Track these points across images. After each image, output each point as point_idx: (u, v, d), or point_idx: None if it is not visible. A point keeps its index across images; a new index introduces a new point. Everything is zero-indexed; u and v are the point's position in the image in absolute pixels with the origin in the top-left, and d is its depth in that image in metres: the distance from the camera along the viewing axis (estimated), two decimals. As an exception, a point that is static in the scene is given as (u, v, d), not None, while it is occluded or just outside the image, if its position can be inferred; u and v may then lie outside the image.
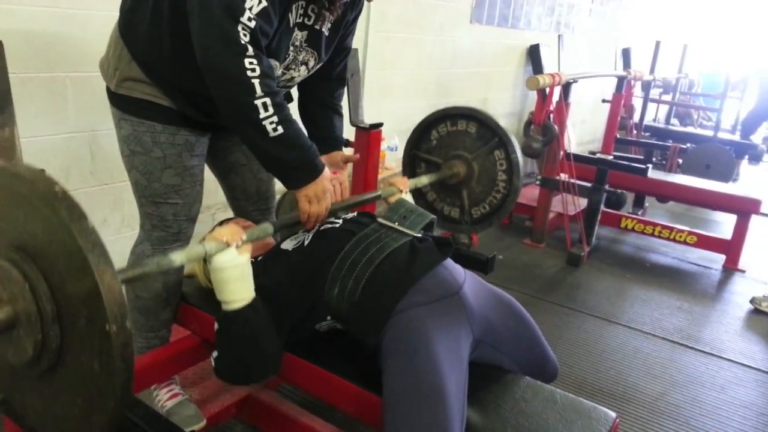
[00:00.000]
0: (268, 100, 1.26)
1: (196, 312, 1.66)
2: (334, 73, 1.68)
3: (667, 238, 3.89)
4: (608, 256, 3.86)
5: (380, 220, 1.45)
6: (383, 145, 2.24)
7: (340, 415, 1.82)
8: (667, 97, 7.06)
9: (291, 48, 1.44)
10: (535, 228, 3.93)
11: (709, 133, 6.00)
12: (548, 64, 5.02)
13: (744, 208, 3.72)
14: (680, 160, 5.51)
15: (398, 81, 3.57)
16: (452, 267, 1.38)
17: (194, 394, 1.79)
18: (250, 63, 1.23)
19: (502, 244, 3.82)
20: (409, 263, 1.31)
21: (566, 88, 3.60)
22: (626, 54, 5.84)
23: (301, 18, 1.41)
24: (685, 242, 3.84)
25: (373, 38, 3.25)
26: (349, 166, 1.82)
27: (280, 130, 1.29)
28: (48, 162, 1.96)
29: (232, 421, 1.85)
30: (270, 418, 1.79)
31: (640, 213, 4.67)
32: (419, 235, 1.43)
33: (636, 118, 5.91)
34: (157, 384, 1.70)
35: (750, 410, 2.32)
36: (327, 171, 1.44)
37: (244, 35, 1.22)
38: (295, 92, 1.73)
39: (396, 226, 1.43)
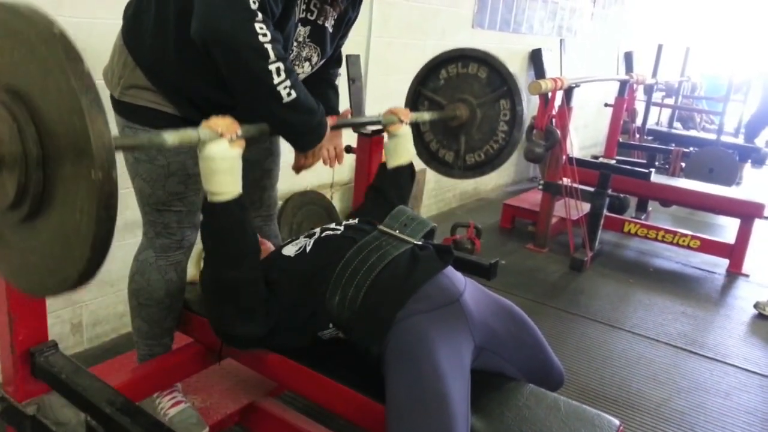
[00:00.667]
0: (281, 65, 1.26)
1: (198, 319, 1.66)
2: (332, 57, 1.69)
3: (671, 243, 3.88)
4: (611, 261, 3.85)
5: (381, 227, 1.45)
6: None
7: (342, 423, 1.82)
8: (670, 101, 7.06)
9: (295, 44, 1.44)
10: (538, 233, 3.93)
11: (712, 136, 6.00)
12: (550, 68, 5.03)
13: (747, 212, 3.71)
14: (683, 164, 5.51)
15: (400, 86, 3.54)
16: (453, 275, 1.38)
17: (197, 401, 1.79)
18: (261, 28, 1.22)
19: (505, 249, 3.81)
20: (410, 271, 1.31)
21: (568, 92, 3.61)
22: (628, 58, 5.86)
23: (304, 13, 1.42)
24: (688, 247, 3.83)
25: (375, 43, 3.25)
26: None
27: (294, 94, 1.29)
28: (51, 169, 1.97)
29: (234, 428, 1.85)
30: (272, 426, 1.79)
31: (643, 217, 4.66)
32: (420, 243, 1.43)
33: (639, 121, 5.90)
34: (160, 392, 1.70)
35: (755, 416, 2.31)
36: (328, 127, 1.48)
37: (253, 3, 1.21)
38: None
39: (397, 233, 1.43)
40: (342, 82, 1.90)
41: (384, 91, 3.40)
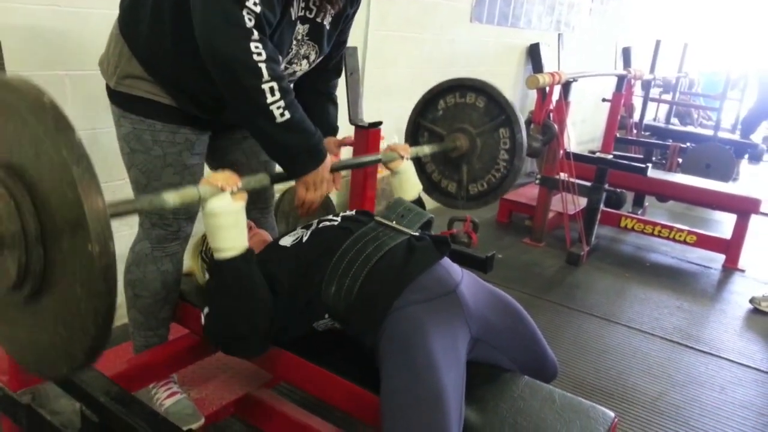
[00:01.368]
0: (274, 85, 1.25)
1: (194, 310, 1.65)
2: (331, 64, 1.68)
3: (667, 238, 3.89)
4: (608, 256, 3.86)
5: (378, 218, 1.45)
6: (382, 144, 2.24)
7: (338, 414, 1.82)
8: (667, 97, 7.07)
9: (294, 42, 1.44)
10: (534, 227, 3.93)
11: (709, 132, 6.01)
12: (548, 63, 5.02)
13: (744, 208, 3.72)
14: (680, 160, 5.51)
15: (398, 80, 3.57)
16: (449, 265, 1.38)
17: (193, 392, 1.79)
18: (256, 47, 1.22)
19: (502, 243, 3.82)
20: (406, 261, 1.31)
21: (566, 87, 3.60)
22: (626, 53, 5.83)
23: (303, 11, 1.41)
24: (684, 242, 3.84)
25: (373, 37, 3.25)
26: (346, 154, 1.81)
27: (287, 115, 1.29)
28: (47, 160, 1.96)
29: (230, 419, 1.85)
30: (268, 417, 1.79)
31: (639, 212, 4.67)
32: (417, 233, 1.43)
33: (636, 117, 5.90)
34: (156, 382, 1.70)
35: (750, 410, 2.32)
36: (329, 159, 1.44)
37: (249, 20, 1.21)
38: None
39: (393, 224, 1.43)
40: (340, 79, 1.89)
41: (381, 84, 3.40)
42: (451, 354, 1.22)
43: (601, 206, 3.67)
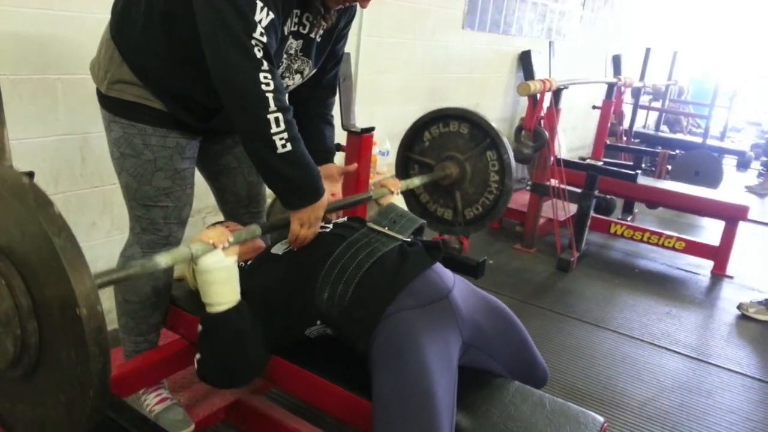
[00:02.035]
0: (280, 116, 1.26)
1: (185, 316, 1.65)
2: (325, 80, 1.67)
3: (656, 244, 3.92)
4: (597, 262, 3.88)
5: (370, 224, 1.46)
6: (374, 150, 2.25)
7: (329, 420, 1.82)
8: (657, 104, 7.12)
9: (285, 56, 1.44)
10: (525, 233, 3.95)
11: (699, 140, 6.06)
12: (539, 70, 5.05)
13: (732, 215, 3.76)
14: (669, 167, 5.56)
15: (390, 86, 3.58)
16: (442, 271, 1.39)
17: (183, 398, 1.79)
18: (265, 77, 1.24)
19: (493, 249, 3.83)
20: (399, 267, 1.32)
21: (557, 94, 3.63)
22: (616, 61, 5.90)
23: (296, 27, 1.41)
24: (673, 248, 3.87)
25: (365, 43, 3.26)
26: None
27: (289, 147, 1.29)
28: (38, 164, 1.95)
29: (220, 425, 1.84)
30: (259, 423, 1.79)
31: (629, 219, 4.70)
32: (409, 239, 1.44)
33: (626, 124, 5.95)
34: (146, 388, 1.69)
35: (737, 415, 2.34)
36: (326, 198, 1.43)
37: (258, 51, 1.23)
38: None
39: (386, 230, 1.43)
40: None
41: (374, 89, 3.41)
42: (443, 359, 1.23)
43: (591, 213, 3.69)
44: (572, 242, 3.68)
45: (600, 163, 3.92)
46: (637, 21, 7.32)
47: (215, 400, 1.80)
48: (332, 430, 1.75)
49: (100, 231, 2.24)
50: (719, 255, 3.82)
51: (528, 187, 3.88)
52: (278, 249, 1.45)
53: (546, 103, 3.61)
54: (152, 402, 1.67)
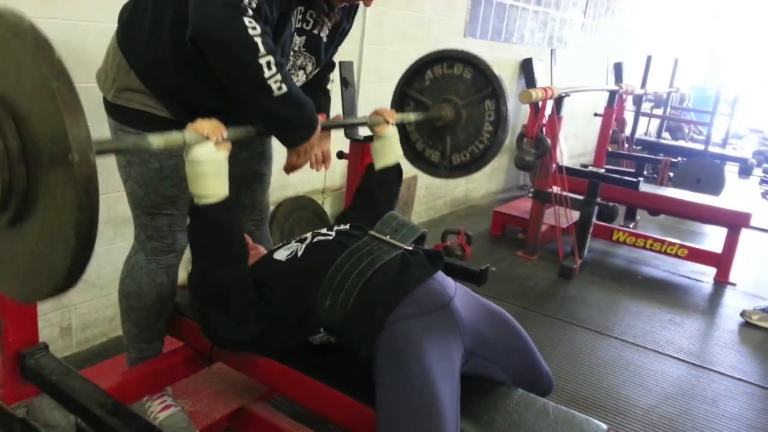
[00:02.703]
0: (271, 59, 1.26)
1: (189, 323, 1.66)
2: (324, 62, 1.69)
3: (659, 251, 3.92)
4: (600, 269, 3.88)
5: (372, 232, 1.46)
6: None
7: (332, 427, 1.82)
8: (659, 111, 7.14)
9: (291, 53, 1.46)
10: (527, 240, 3.95)
11: (700, 147, 6.07)
12: (541, 77, 5.07)
13: (734, 222, 3.76)
14: (671, 174, 5.56)
15: (392, 93, 3.59)
16: (443, 279, 1.39)
17: (187, 405, 1.79)
18: (250, 22, 1.22)
19: (495, 257, 3.83)
20: (401, 275, 1.32)
21: (558, 101, 3.64)
22: (618, 68, 5.91)
23: (300, 23, 1.43)
24: (676, 255, 3.87)
25: (368, 51, 3.28)
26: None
27: (284, 88, 1.30)
28: (42, 172, 1.96)
29: (224, 432, 1.85)
30: (262, 430, 1.79)
31: (631, 226, 4.70)
32: (410, 248, 1.44)
33: (627, 131, 5.96)
34: (150, 395, 1.69)
35: (741, 423, 2.33)
36: (319, 126, 1.46)
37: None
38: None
39: (388, 239, 1.44)
40: (335, 88, 1.91)
41: (376, 97, 3.42)
42: (446, 367, 1.23)
43: (594, 220, 3.70)
44: (575, 249, 3.68)
45: (602, 171, 3.94)
46: (638, 29, 7.35)
47: (219, 407, 1.80)
48: (335, 438, 1.75)
49: (104, 239, 2.25)
50: (722, 262, 3.82)
51: (530, 194, 3.88)
52: (281, 255, 1.45)
53: (548, 111, 3.62)
54: (156, 409, 1.67)
